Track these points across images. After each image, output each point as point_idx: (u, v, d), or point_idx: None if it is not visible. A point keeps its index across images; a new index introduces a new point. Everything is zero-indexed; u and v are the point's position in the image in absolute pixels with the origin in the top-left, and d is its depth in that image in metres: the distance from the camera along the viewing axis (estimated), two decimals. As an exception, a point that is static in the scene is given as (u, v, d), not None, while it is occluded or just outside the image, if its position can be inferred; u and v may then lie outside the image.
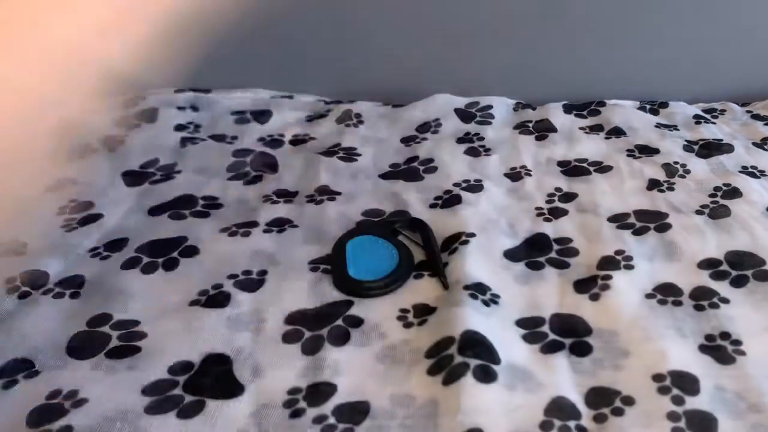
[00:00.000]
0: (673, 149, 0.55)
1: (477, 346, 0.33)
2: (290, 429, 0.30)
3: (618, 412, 0.30)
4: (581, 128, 0.60)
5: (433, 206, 0.47)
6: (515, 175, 0.51)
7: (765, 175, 0.50)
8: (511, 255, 0.41)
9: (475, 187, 0.49)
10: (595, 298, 0.37)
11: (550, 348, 0.34)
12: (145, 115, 0.62)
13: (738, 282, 0.38)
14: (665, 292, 0.37)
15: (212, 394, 0.32)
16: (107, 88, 0.32)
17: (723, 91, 0.68)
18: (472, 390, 0.30)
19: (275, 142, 0.59)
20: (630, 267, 0.39)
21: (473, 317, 0.35)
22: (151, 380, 0.32)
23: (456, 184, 0.50)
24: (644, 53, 0.67)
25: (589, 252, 0.41)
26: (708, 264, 0.39)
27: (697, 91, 0.67)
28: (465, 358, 0.32)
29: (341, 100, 0.68)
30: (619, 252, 0.40)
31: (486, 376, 0.31)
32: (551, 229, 0.44)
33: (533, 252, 0.42)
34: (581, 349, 0.34)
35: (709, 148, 0.55)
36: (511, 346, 0.34)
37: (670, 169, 0.51)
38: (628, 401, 0.30)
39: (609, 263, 0.40)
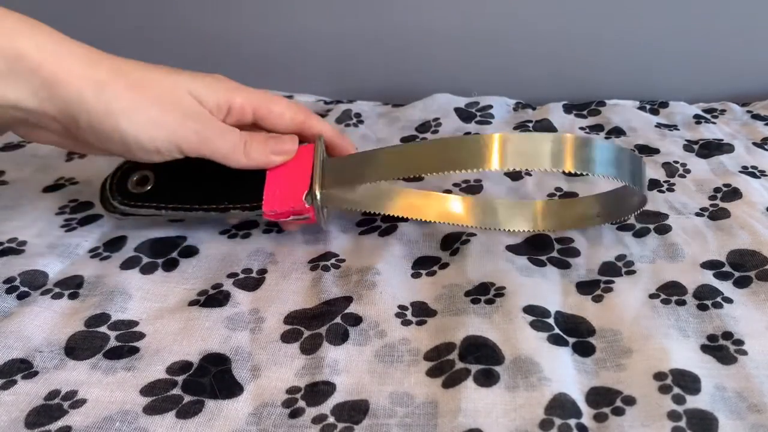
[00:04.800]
0: (673, 149, 0.55)
1: (479, 350, 0.33)
2: (290, 428, 0.30)
3: (618, 412, 0.29)
4: (581, 128, 0.60)
5: (433, 206, 0.47)
6: (515, 174, 0.51)
7: (765, 175, 0.50)
8: (514, 249, 0.41)
9: (475, 187, 0.49)
10: (598, 299, 0.37)
11: (556, 340, 0.34)
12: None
13: (741, 282, 0.38)
14: (669, 292, 0.37)
15: (211, 393, 0.32)
16: None
17: (723, 91, 0.68)
18: (473, 394, 0.30)
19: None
20: (632, 272, 0.39)
21: (475, 323, 0.35)
22: (149, 380, 0.32)
23: (455, 184, 0.50)
24: (644, 53, 0.67)
25: (589, 253, 0.41)
26: (710, 265, 0.39)
27: (697, 91, 0.67)
28: (466, 364, 0.32)
29: (341, 100, 0.68)
30: (620, 257, 0.40)
31: (488, 379, 0.31)
32: (551, 229, 0.44)
33: (534, 250, 0.41)
34: (584, 350, 0.34)
35: (709, 148, 0.54)
36: (517, 336, 0.33)
37: (670, 169, 0.51)
38: (629, 400, 0.30)
39: (611, 267, 0.40)
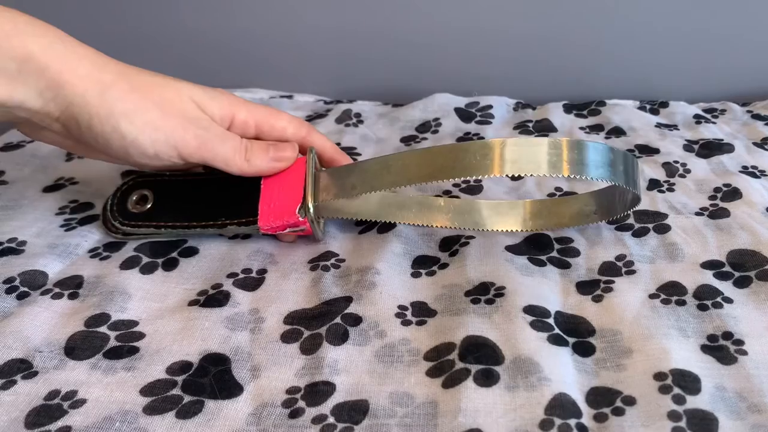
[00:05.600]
0: (673, 149, 0.55)
1: (479, 350, 0.33)
2: (289, 429, 0.30)
3: (618, 412, 0.29)
4: (581, 128, 0.60)
5: (432, 206, 0.47)
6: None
7: (765, 175, 0.50)
8: (514, 249, 0.41)
9: (475, 187, 0.49)
10: (598, 299, 0.37)
11: (556, 340, 0.33)
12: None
13: (741, 282, 0.38)
14: (669, 292, 0.37)
15: (211, 394, 0.32)
16: None
17: (723, 91, 0.68)
18: (473, 394, 0.30)
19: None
20: (632, 271, 0.39)
21: (475, 323, 0.35)
22: (149, 380, 0.32)
23: (456, 185, 0.50)
24: (644, 53, 0.67)
25: (589, 253, 0.41)
26: (710, 265, 0.39)
27: (697, 91, 0.67)
28: (466, 364, 0.32)
29: (341, 100, 0.68)
30: (620, 257, 0.40)
31: (488, 379, 0.31)
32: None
33: (534, 250, 0.41)
34: (584, 350, 0.34)
35: (709, 148, 0.54)
36: (517, 336, 0.33)
37: (670, 169, 0.51)
38: (629, 400, 0.30)
39: (611, 267, 0.40)
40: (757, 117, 0.61)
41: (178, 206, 0.42)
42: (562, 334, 0.34)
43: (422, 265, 0.41)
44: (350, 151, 0.56)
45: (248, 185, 0.41)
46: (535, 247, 0.42)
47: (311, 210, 0.40)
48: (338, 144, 0.57)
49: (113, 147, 0.37)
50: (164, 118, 0.37)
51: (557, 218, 0.44)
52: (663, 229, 0.43)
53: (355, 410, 0.30)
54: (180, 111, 0.38)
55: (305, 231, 0.41)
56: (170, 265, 0.41)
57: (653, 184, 0.49)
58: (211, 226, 0.41)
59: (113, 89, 0.36)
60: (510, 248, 0.41)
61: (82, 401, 0.31)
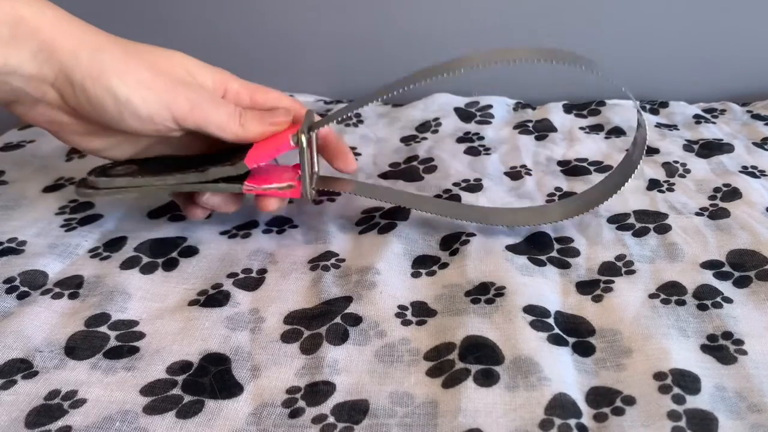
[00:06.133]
0: (673, 149, 0.55)
1: (479, 350, 0.33)
2: (289, 428, 0.30)
3: (618, 412, 0.29)
4: (581, 128, 0.60)
5: (432, 206, 0.47)
6: (515, 174, 0.51)
7: (765, 175, 0.50)
8: (514, 249, 0.41)
9: (475, 186, 0.49)
10: (598, 299, 0.37)
11: (556, 340, 0.33)
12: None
13: (741, 282, 0.38)
14: (668, 292, 0.37)
15: (211, 393, 0.32)
16: None
17: (723, 91, 0.68)
18: (473, 394, 0.30)
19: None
20: (631, 271, 0.39)
21: (475, 323, 0.35)
22: (149, 380, 0.32)
23: (455, 184, 0.50)
24: (644, 53, 0.67)
25: (589, 253, 0.41)
26: (710, 265, 0.39)
27: (697, 91, 0.67)
28: (466, 364, 0.32)
29: (341, 100, 0.68)
30: (620, 257, 0.40)
31: (488, 379, 0.31)
32: (551, 228, 0.44)
33: (534, 250, 0.41)
34: (584, 350, 0.34)
35: (709, 148, 0.55)
36: (517, 336, 0.33)
37: (670, 169, 0.51)
38: (629, 400, 0.30)
39: (610, 267, 0.40)
40: (757, 117, 0.61)
41: (162, 164, 0.41)
42: (562, 334, 0.34)
43: (422, 264, 0.41)
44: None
45: (238, 148, 0.40)
46: (535, 246, 0.42)
47: (304, 141, 0.39)
48: (338, 144, 0.58)
49: (108, 111, 0.37)
50: (155, 78, 0.37)
51: (587, 202, 0.44)
52: (663, 229, 0.43)
53: (355, 410, 0.30)
54: (172, 75, 0.38)
55: (294, 190, 0.40)
56: (170, 265, 0.41)
57: (653, 184, 0.49)
58: (193, 173, 0.39)
59: (104, 51, 0.37)
60: (510, 248, 0.41)
61: (83, 401, 0.31)
